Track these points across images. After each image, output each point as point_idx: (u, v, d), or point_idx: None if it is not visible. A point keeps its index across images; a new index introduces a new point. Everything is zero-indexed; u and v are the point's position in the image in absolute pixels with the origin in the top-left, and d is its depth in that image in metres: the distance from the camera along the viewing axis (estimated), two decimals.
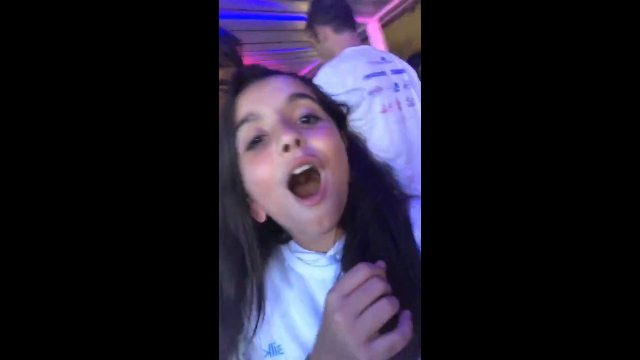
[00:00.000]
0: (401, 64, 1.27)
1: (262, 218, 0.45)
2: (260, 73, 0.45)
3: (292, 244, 0.50)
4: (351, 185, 0.44)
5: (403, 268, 0.39)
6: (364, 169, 0.46)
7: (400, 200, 0.47)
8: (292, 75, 0.47)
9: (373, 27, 2.59)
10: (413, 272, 0.39)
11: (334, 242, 0.45)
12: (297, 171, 0.39)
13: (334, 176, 0.40)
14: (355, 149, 0.48)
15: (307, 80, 0.48)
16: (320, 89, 0.48)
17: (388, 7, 2.48)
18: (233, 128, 0.42)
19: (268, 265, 0.49)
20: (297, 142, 0.39)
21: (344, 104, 0.50)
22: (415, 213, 0.45)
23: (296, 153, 0.39)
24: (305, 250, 0.48)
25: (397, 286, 0.35)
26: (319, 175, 0.40)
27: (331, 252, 0.45)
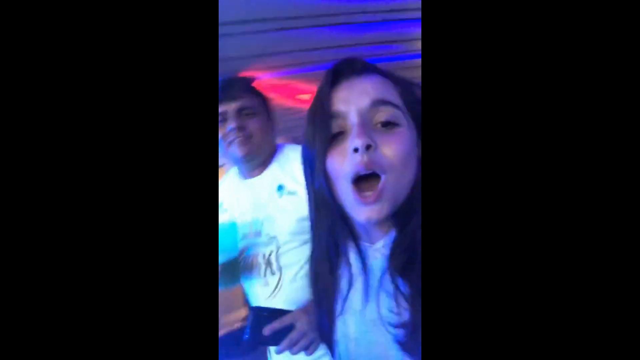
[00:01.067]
0: None
1: None
2: (354, 70, 0.49)
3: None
4: (418, 185, 0.47)
5: None
6: None
7: None
8: (385, 75, 0.50)
9: None
10: None
11: (385, 235, 0.49)
12: (362, 173, 0.44)
13: (395, 181, 0.45)
14: None
15: (400, 81, 0.50)
16: (409, 91, 0.50)
17: None
18: (325, 119, 0.47)
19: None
20: (367, 147, 0.43)
21: None
22: None
23: (364, 157, 0.43)
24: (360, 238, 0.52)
25: None
26: (379, 177, 0.44)
27: (379, 244, 0.49)
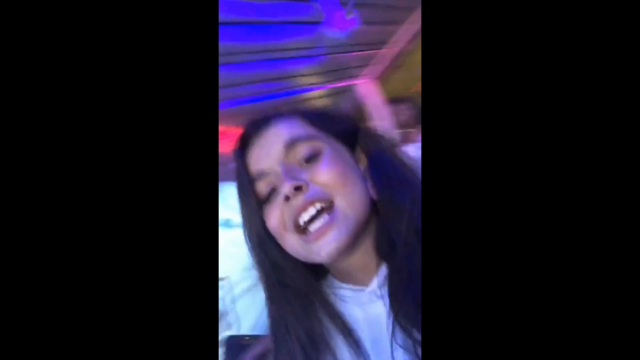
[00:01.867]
0: None
1: None
2: (260, 125, 0.46)
3: (330, 278, 0.48)
4: (381, 204, 0.42)
5: None
6: (394, 182, 0.43)
7: None
8: (291, 115, 0.47)
9: (365, 86, 2.65)
10: None
11: (375, 274, 0.43)
12: (305, 217, 0.40)
13: (343, 203, 0.40)
14: (379, 163, 0.45)
15: (306, 113, 0.48)
16: (320, 117, 0.48)
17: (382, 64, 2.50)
18: (249, 183, 0.44)
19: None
20: (298, 188, 0.40)
21: (353, 123, 0.49)
22: None
23: (299, 200, 0.40)
24: (342, 285, 0.45)
25: None
26: (325, 210, 0.40)
27: (372, 286, 0.42)
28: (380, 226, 0.42)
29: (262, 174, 0.43)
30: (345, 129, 0.47)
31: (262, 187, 0.44)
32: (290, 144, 0.43)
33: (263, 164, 0.44)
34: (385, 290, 0.41)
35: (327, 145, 0.44)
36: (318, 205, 0.40)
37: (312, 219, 0.40)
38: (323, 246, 0.39)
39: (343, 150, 0.45)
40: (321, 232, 0.39)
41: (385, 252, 0.42)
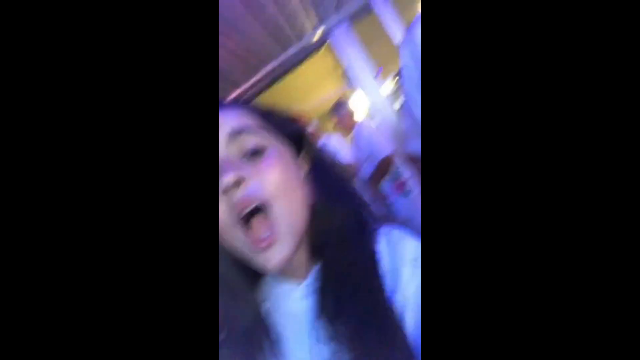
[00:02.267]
0: None
1: None
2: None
3: (267, 275, 0.48)
4: (316, 208, 0.43)
5: (376, 302, 0.40)
6: (330, 191, 0.45)
7: (369, 226, 0.46)
8: (237, 105, 0.45)
9: None
10: (389, 313, 0.39)
11: (308, 271, 0.44)
12: (245, 212, 0.38)
13: (285, 210, 0.40)
14: (320, 170, 0.47)
15: (257, 109, 0.46)
16: (272, 113, 0.47)
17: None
18: None
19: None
20: (237, 183, 0.38)
21: (300, 127, 0.48)
22: (384, 241, 0.45)
23: (236, 195, 0.38)
24: (280, 281, 0.46)
25: (374, 319, 0.38)
26: (265, 212, 0.39)
27: (307, 281, 0.44)
28: (314, 226, 0.44)
29: None
30: (290, 131, 0.46)
31: None
32: (235, 135, 0.40)
33: None
34: (317, 284, 0.43)
35: (272, 142, 0.42)
36: (255, 204, 0.38)
37: (252, 215, 0.39)
38: (270, 259, 0.39)
39: (286, 152, 0.44)
40: (267, 244, 0.38)
41: (317, 249, 0.44)
